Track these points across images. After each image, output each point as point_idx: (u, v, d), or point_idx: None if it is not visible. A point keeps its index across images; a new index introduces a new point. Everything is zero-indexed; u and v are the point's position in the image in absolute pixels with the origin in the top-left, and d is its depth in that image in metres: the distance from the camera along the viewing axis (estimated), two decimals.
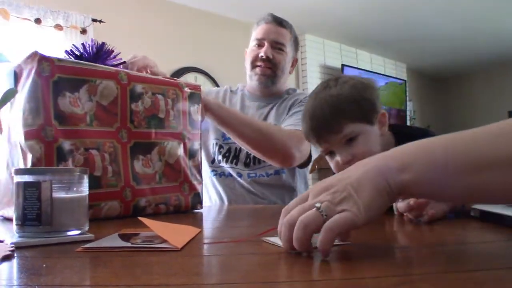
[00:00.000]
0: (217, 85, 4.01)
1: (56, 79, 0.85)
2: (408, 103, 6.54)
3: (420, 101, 7.15)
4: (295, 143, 1.34)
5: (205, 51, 4.25)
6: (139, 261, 0.47)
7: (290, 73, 1.66)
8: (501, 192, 0.45)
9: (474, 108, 7.27)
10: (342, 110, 0.95)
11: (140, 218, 0.66)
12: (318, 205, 0.47)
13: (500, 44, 6.02)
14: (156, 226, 0.63)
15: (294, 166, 1.48)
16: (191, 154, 1.09)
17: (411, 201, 0.74)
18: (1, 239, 0.62)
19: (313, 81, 5.35)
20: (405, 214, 0.81)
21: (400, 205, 0.78)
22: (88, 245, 0.56)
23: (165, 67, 3.72)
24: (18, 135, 0.84)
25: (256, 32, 1.59)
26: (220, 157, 1.56)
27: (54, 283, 0.38)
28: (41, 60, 0.84)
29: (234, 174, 1.53)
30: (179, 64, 4.02)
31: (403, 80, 6.38)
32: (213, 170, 1.58)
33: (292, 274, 0.40)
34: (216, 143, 1.57)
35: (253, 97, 1.63)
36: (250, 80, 1.62)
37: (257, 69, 1.57)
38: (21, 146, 0.84)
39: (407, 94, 6.44)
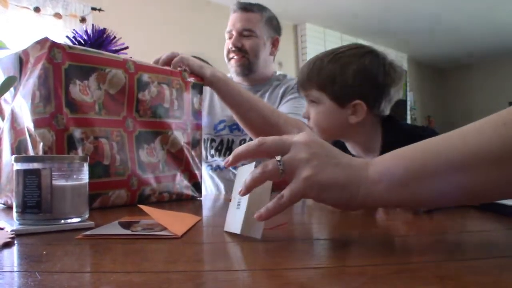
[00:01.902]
0: None
1: (67, 67, 0.84)
2: (408, 93, 6.53)
3: (421, 91, 7.14)
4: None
5: (204, 39, 4.23)
6: (139, 249, 0.47)
7: (272, 54, 1.63)
8: (479, 191, 0.45)
9: (475, 98, 7.27)
10: (316, 75, 1.01)
11: (140, 206, 0.66)
12: (278, 158, 0.49)
13: (500, 35, 6.00)
14: (156, 214, 0.63)
15: None
16: (193, 144, 1.09)
17: None
18: (2, 227, 0.62)
19: None
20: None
21: None
22: (88, 233, 0.56)
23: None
24: (27, 122, 0.84)
25: (228, 24, 1.58)
26: (213, 151, 1.55)
27: (54, 270, 0.38)
28: (53, 47, 0.83)
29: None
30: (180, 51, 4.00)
31: (403, 70, 6.37)
32: (208, 165, 1.57)
33: (292, 261, 0.40)
34: (208, 138, 1.56)
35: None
36: (230, 73, 1.62)
37: (232, 61, 1.57)
38: (31, 134, 0.83)
39: (408, 85, 6.43)
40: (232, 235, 0.54)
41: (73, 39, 1.00)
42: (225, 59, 1.61)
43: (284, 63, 5.14)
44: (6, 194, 0.89)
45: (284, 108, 1.45)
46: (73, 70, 0.85)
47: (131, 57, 0.97)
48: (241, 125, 1.30)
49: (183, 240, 0.52)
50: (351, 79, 0.98)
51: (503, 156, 0.41)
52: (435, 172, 0.44)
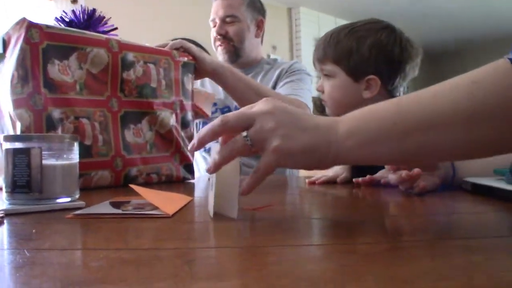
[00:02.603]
0: None
1: (44, 46, 0.83)
2: None
3: (412, 78, 7.13)
4: None
5: (198, 22, 4.19)
6: (130, 227, 0.47)
7: (257, 36, 1.64)
8: (449, 150, 0.45)
9: None
10: (332, 48, 1.03)
11: (131, 185, 0.65)
12: (244, 134, 0.48)
13: (492, 22, 6.00)
14: (147, 194, 0.63)
15: None
16: (184, 124, 1.08)
17: (403, 173, 0.74)
18: None
19: (307, 54, 5.31)
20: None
21: (391, 176, 0.78)
22: (78, 212, 0.56)
23: (157, 38, 3.66)
24: (7, 103, 0.83)
25: (211, 12, 1.60)
26: None
27: (43, 247, 0.38)
28: (30, 27, 0.82)
29: None
30: (172, 35, 3.94)
31: (420, 48, 6.34)
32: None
33: (284, 239, 0.40)
34: (200, 121, 1.56)
35: None
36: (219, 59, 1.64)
37: (219, 49, 1.59)
38: (10, 114, 0.82)
39: None
40: (223, 215, 0.54)
41: (60, 20, 0.98)
42: (213, 47, 1.62)
43: (278, 46, 5.11)
44: None
45: (282, 91, 1.46)
46: (52, 50, 0.84)
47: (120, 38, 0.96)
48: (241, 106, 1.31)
49: (174, 219, 0.51)
50: (367, 53, 1.00)
51: (471, 115, 0.42)
52: (404, 131, 0.44)
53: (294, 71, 1.53)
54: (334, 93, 1.05)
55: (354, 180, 0.91)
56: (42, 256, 0.35)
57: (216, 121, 0.49)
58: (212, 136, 0.50)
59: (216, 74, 1.19)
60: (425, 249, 0.36)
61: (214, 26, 1.58)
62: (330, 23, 5.64)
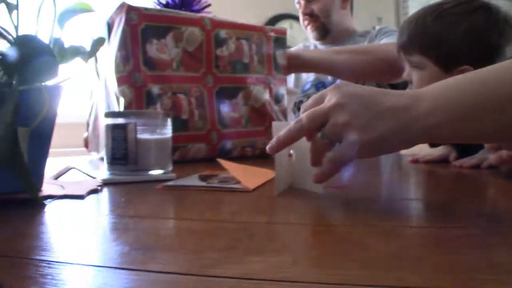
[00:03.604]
0: None
1: (143, 27, 0.89)
2: None
3: None
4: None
5: None
6: (210, 199, 0.49)
7: (344, 8, 1.58)
8: None
9: None
10: (419, 37, 0.92)
11: (218, 160, 0.67)
12: (320, 135, 0.46)
13: None
14: (233, 168, 0.65)
15: None
16: (277, 99, 1.09)
17: (504, 153, 0.68)
18: (94, 176, 0.67)
19: None
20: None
21: (491, 157, 0.73)
22: (167, 184, 0.59)
23: (259, 15, 3.68)
24: (112, 81, 0.90)
25: None
26: (299, 113, 1.55)
27: (127, 214, 0.41)
28: (130, 10, 0.89)
29: None
30: (273, 11, 3.96)
31: None
32: None
33: (356, 218, 0.39)
34: (295, 104, 1.56)
35: (323, 46, 1.62)
36: (310, 38, 1.65)
37: (308, 28, 1.59)
38: (115, 91, 0.90)
39: None
40: (301, 192, 0.54)
41: (157, 2, 1.04)
42: (303, 27, 1.63)
43: (384, 18, 4.90)
44: (103, 148, 0.97)
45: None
46: (149, 30, 0.90)
47: (214, 16, 0.99)
48: (344, 74, 1.29)
49: (254, 194, 0.53)
50: (459, 41, 0.87)
51: None
52: (492, 108, 0.40)
53: (384, 32, 1.49)
54: (423, 86, 0.96)
55: (453, 162, 0.85)
56: (122, 222, 0.38)
57: (293, 126, 0.48)
58: (292, 140, 0.49)
59: (298, 59, 1.20)
60: (505, 238, 0.34)
61: (300, 7, 1.58)
62: None
